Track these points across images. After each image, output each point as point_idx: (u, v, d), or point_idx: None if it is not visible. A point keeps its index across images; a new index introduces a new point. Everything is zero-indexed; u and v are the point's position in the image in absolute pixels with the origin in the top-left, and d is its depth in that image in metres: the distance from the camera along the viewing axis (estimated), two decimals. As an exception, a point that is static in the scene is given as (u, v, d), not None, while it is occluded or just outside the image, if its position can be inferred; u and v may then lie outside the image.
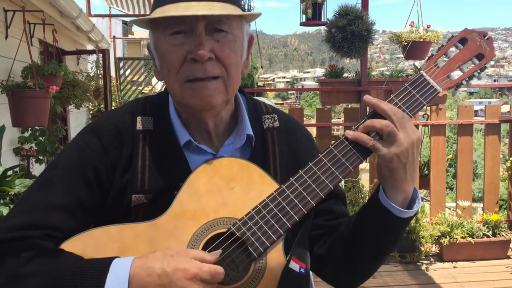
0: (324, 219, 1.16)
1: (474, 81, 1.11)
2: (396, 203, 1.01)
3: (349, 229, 1.09)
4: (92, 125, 1.11)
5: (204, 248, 0.99)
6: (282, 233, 1.00)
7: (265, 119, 1.18)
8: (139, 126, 1.09)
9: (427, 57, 1.06)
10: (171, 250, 0.93)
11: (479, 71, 1.06)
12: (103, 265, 0.91)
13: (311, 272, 1.16)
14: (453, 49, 1.07)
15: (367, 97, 1.01)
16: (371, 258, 1.09)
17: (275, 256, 1.01)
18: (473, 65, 1.06)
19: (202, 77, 1.01)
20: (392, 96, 1.04)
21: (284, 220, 1.00)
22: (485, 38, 1.06)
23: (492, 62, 1.08)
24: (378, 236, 1.05)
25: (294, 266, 0.99)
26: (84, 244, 0.98)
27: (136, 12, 7.54)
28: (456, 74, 1.06)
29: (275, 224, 1.00)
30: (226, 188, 1.03)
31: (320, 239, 1.16)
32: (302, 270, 0.99)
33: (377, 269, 1.12)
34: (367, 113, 1.04)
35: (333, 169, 1.02)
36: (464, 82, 1.07)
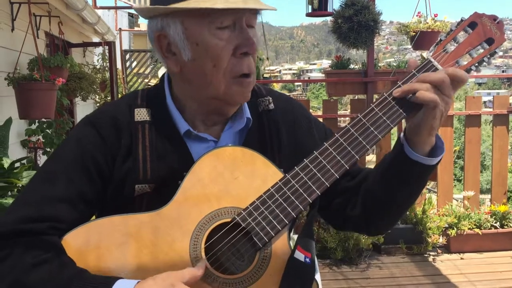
0: (346, 181, 1.15)
1: (483, 71, 1.08)
2: (424, 155, 1.02)
3: (379, 186, 1.09)
4: (90, 116, 1.11)
5: (208, 238, 0.99)
6: (287, 222, 1.00)
7: (260, 102, 1.17)
8: (137, 117, 1.09)
9: (435, 43, 1.03)
10: (170, 277, 0.91)
11: (488, 56, 1.03)
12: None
13: (316, 261, 1.16)
14: (462, 33, 1.04)
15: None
16: (405, 204, 1.12)
17: (280, 246, 1.00)
18: (483, 50, 1.03)
19: (248, 73, 1.03)
20: (399, 83, 1.02)
21: (289, 209, 0.99)
22: (496, 22, 1.03)
23: (500, 53, 1.05)
24: (410, 186, 1.07)
25: (299, 255, 0.99)
26: (89, 234, 0.98)
27: (142, 4, 7.53)
28: (465, 60, 1.03)
29: (280, 214, 0.99)
30: (230, 178, 1.02)
31: (349, 201, 1.15)
32: (307, 259, 0.99)
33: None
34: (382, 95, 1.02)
35: (338, 157, 1.01)
36: (473, 67, 1.04)
